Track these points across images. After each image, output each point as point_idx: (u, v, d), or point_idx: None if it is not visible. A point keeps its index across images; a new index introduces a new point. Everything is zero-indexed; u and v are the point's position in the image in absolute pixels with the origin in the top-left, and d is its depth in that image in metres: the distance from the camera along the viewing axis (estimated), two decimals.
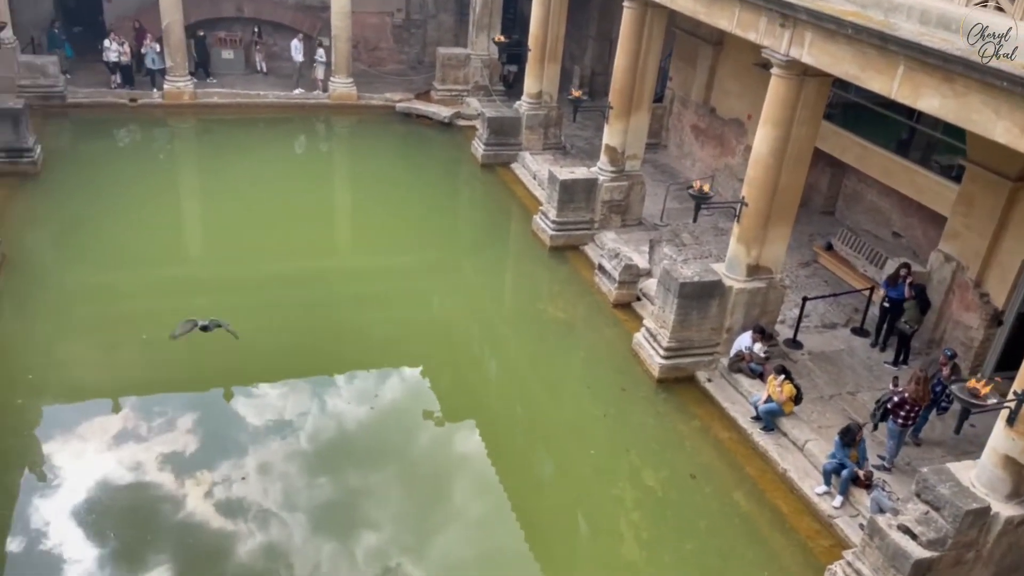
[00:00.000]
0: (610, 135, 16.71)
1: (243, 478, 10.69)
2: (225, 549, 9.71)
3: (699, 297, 12.85)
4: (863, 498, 10.47)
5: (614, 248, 15.72)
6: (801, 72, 11.35)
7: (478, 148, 21.46)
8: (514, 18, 25.84)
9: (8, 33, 20.26)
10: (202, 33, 23.57)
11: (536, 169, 19.96)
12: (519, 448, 12.11)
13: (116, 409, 11.84)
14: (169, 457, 10.98)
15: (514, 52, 23.41)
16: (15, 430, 11.24)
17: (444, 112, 23.98)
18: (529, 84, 21.02)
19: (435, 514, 10.64)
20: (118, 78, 22.39)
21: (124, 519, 10.02)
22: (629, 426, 12.44)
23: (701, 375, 13.16)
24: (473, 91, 24.69)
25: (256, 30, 24.55)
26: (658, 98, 20.28)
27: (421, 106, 24.32)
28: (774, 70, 11.62)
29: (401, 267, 16.81)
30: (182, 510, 10.18)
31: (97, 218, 16.66)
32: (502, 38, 21.71)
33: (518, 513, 10.64)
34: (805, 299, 13.92)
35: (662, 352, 13.12)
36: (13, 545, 9.41)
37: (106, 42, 22.07)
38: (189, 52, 23.04)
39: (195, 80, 22.91)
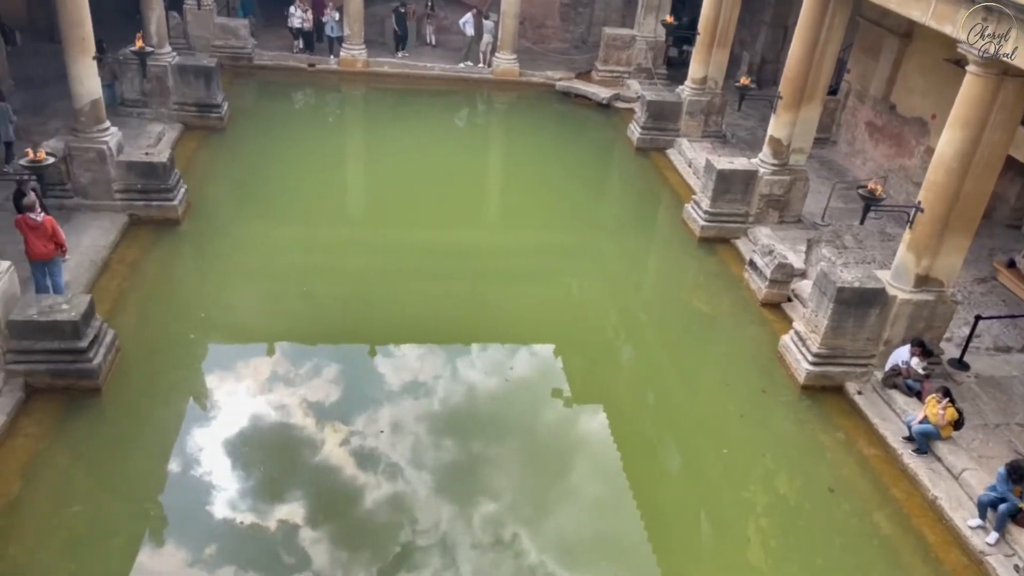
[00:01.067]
0: (776, 126, 15.93)
1: (381, 432, 11.14)
2: (354, 495, 10.19)
3: (857, 304, 12.06)
4: (1021, 537, 9.52)
5: (768, 244, 15.03)
6: (1001, 71, 10.30)
7: (634, 131, 21.11)
8: (684, 0, 25.12)
9: None
10: (403, 9, 24.22)
11: (692, 156, 19.38)
12: (646, 437, 11.90)
13: (270, 353, 12.68)
14: (312, 403, 11.63)
15: (682, 35, 22.79)
16: (186, 362, 12.28)
17: (603, 93, 23.73)
18: (694, 69, 20.39)
19: (554, 491, 10.68)
20: (300, 43, 23.76)
21: (268, 454, 10.73)
22: (767, 430, 11.92)
23: (851, 386, 12.38)
24: (635, 73, 24.28)
25: (429, 3, 25.23)
26: (832, 91, 19.16)
27: (581, 86, 24.19)
28: (969, 67, 10.61)
29: (545, 244, 16.88)
30: (319, 453, 10.77)
31: (271, 173, 17.80)
32: (671, 20, 21.17)
33: (639, 502, 10.48)
34: (978, 318, 12.75)
35: (810, 358, 12.45)
36: (173, 465, 10.30)
37: (291, 9, 23.45)
38: (390, 27, 24.04)
39: (405, 53, 23.77)
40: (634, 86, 23.57)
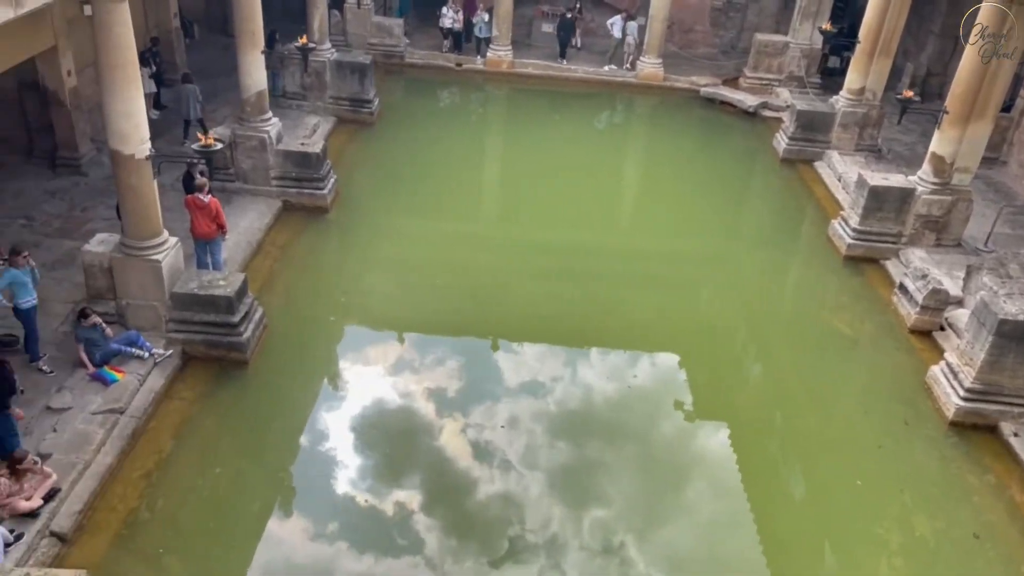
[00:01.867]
0: (940, 143, 14.86)
1: (502, 427, 11.30)
2: (467, 486, 10.38)
3: (1020, 339, 11.06)
4: None
5: (922, 268, 14.05)
6: None
7: (781, 141, 20.30)
8: (845, 6, 23.89)
9: None
10: (570, 15, 24.28)
11: (843, 171, 18.40)
12: (771, 459, 11.42)
13: (400, 340, 13.13)
14: (435, 392, 11.95)
15: (839, 43, 21.70)
16: (324, 343, 12.95)
17: (750, 101, 22.97)
18: (852, 79, 19.35)
19: (667, 503, 10.46)
20: (449, 43, 24.44)
21: (390, 437, 11.13)
22: (907, 464, 11.16)
23: (1006, 427, 11.37)
24: (786, 81, 23.35)
25: (577, 5, 25.30)
26: (1006, 107, 17.69)
27: (727, 92, 23.52)
28: None
29: (677, 252, 16.55)
30: (437, 441, 11.06)
31: (414, 168, 18.42)
32: (829, 26, 20.20)
33: (759, 526, 10.07)
34: None
35: (962, 392, 11.54)
36: (305, 439, 10.89)
37: (443, 9, 24.16)
38: (537, 29, 24.57)
39: (565, 61, 24.05)
40: (784, 94, 22.67)
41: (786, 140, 20.05)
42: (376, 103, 20.46)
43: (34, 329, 10.64)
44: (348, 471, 10.45)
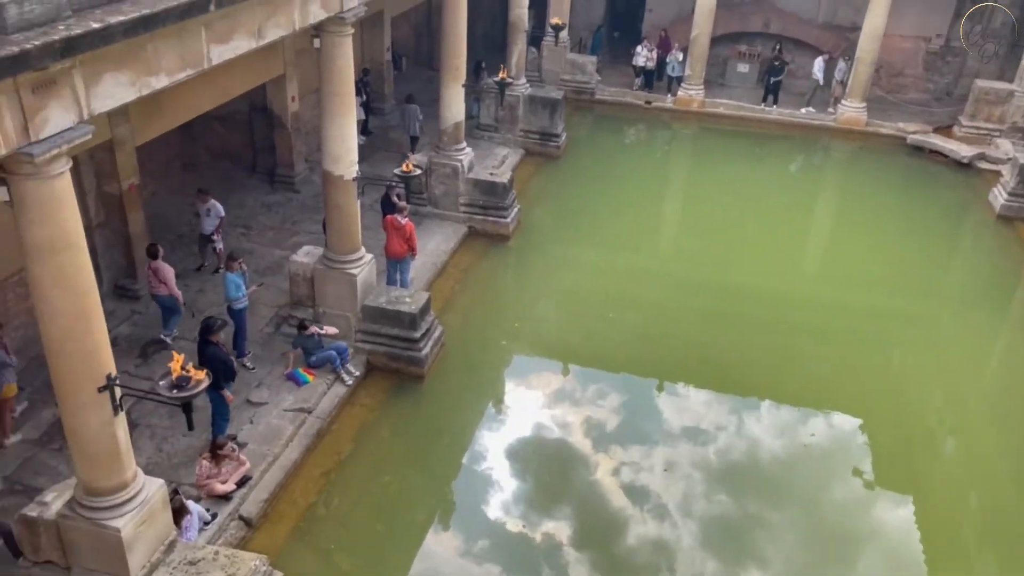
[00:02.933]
0: None
1: (664, 470, 11.14)
2: (619, 526, 10.30)
3: None
4: None
5: None
6: None
7: (998, 197, 18.59)
8: None
9: (564, 34, 23.67)
10: (778, 63, 23.31)
11: None
12: (962, 544, 10.39)
13: (566, 371, 13.31)
14: (595, 426, 11.99)
15: None
16: (495, 365, 13.43)
17: (964, 151, 21.22)
18: None
19: (832, 575, 9.81)
20: (640, 81, 24.61)
21: (546, 465, 11.31)
22: None
23: None
24: (1008, 132, 21.37)
25: (778, 46, 24.61)
26: None
27: (938, 141, 21.88)
28: None
29: (868, 306, 15.52)
30: (593, 476, 11.07)
31: (595, 202, 18.65)
32: None
33: None
34: None
35: None
36: (468, 457, 11.30)
37: (638, 48, 24.39)
38: (732, 69, 24.49)
39: (770, 104, 23.46)
40: (1005, 146, 20.75)
41: (1005, 195, 18.34)
42: (564, 137, 20.97)
43: (243, 328, 11.85)
44: (503, 494, 10.72)
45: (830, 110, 23.09)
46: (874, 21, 21.55)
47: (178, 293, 11.83)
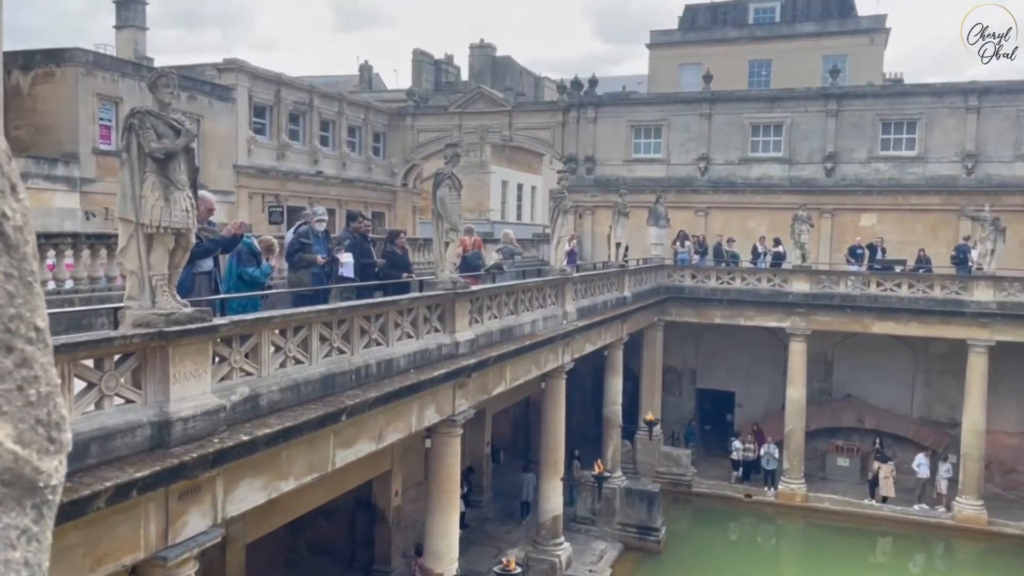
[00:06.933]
0: None
1: None
2: None
3: None
4: None
5: None
6: None
7: None
8: None
9: (657, 428, 24.31)
10: (877, 464, 22.76)
11: None
12: None
13: None
14: None
15: None
16: None
17: None
18: None
19: None
20: (738, 473, 24.38)
21: None
22: None
23: None
24: None
25: (878, 440, 24.38)
26: None
27: None
28: None
29: None
30: None
31: None
32: None
33: None
34: None
35: None
36: None
37: (736, 442, 24.63)
38: (832, 462, 24.26)
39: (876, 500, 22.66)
40: None
41: None
42: (663, 531, 20.34)
43: None
44: None
45: (940, 508, 21.91)
46: (973, 417, 21.42)
47: None
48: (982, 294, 21.26)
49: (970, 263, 22.36)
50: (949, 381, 23.68)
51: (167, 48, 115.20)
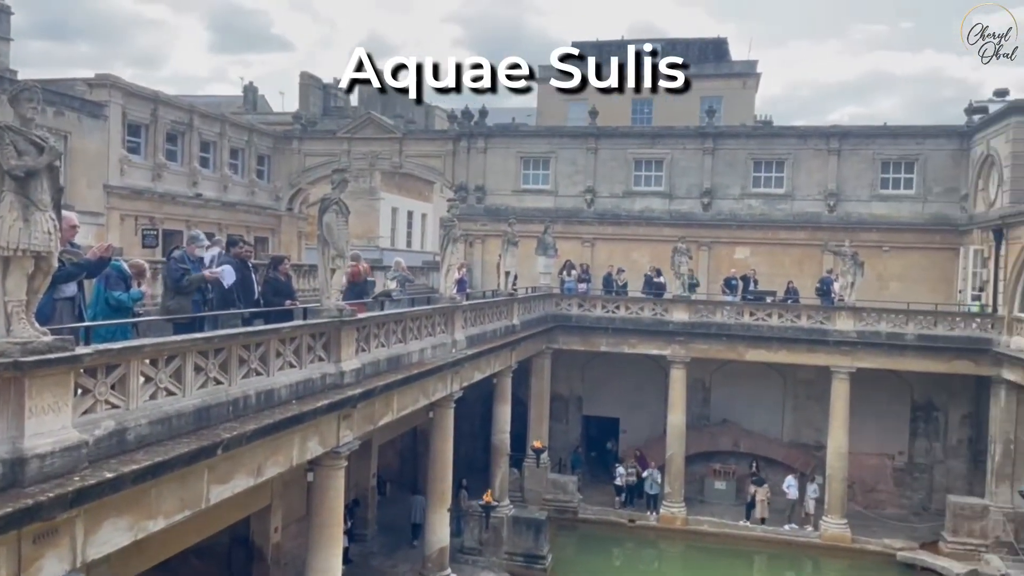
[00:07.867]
0: None
1: None
2: None
3: None
4: None
5: None
6: None
7: None
8: None
9: (545, 455, 24.52)
10: (755, 478, 24.23)
11: None
12: None
13: None
14: None
15: None
16: None
17: (956, 568, 20.83)
18: None
19: None
20: (621, 499, 24.87)
21: None
22: None
23: None
24: (993, 547, 21.25)
25: (754, 464, 25.43)
26: None
27: (927, 558, 21.59)
28: None
29: None
30: None
31: None
32: None
33: None
34: None
35: None
36: None
37: (620, 468, 25.13)
38: (709, 487, 25.03)
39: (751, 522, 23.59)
40: (995, 562, 20.46)
41: None
42: (549, 559, 20.44)
43: None
44: None
45: (808, 527, 23.11)
46: (837, 440, 22.78)
47: None
48: (843, 324, 22.77)
49: (833, 294, 23.91)
50: (815, 406, 25.15)
51: (33, 60, 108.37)
